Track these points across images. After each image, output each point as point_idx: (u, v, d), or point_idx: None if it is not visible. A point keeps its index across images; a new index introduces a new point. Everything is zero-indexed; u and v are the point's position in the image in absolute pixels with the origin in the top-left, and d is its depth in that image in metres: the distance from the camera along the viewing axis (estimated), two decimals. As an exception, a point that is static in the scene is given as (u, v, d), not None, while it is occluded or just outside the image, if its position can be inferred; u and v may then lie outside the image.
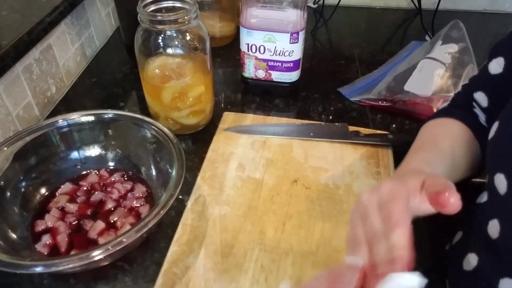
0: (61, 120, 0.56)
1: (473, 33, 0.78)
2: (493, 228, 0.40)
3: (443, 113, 0.54)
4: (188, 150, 0.65)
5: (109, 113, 0.57)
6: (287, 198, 0.56)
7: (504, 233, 0.39)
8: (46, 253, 0.48)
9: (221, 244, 0.50)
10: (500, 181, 0.38)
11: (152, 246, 0.51)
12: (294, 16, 0.66)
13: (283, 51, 0.69)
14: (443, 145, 0.48)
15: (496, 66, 0.47)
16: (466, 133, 0.50)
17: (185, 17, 0.56)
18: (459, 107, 0.53)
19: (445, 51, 0.75)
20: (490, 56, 0.48)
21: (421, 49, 0.82)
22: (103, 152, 0.59)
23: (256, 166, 0.61)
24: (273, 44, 0.68)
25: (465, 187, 0.41)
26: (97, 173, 0.58)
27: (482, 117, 0.51)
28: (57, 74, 0.75)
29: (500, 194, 0.38)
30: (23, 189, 0.53)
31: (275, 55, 0.69)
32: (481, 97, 0.50)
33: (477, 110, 0.51)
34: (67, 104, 0.75)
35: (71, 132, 0.57)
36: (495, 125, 0.41)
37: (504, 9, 1.06)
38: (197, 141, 0.67)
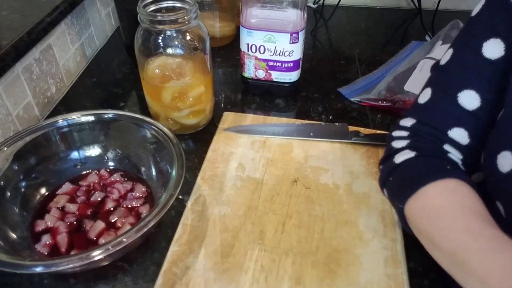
0: (61, 120, 0.56)
1: (473, 33, 0.77)
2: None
3: (432, 174, 0.41)
4: (188, 150, 0.65)
5: (109, 113, 0.57)
6: (287, 198, 0.56)
7: (508, 213, 0.38)
8: (46, 253, 0.48)
9: (221, 244, 0.50)
10: (504, 159, 0.37)
11: (152, 246, 0.51)
12: (294, 16, 0.66)
13: (283, 51, 0.69)
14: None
15: (471, 100, 0.42)
16: (476, 196, 0.40)
17: (185, 17, 0.56)
18: (435, 156, 0.44)
19: (445, 51, 0.74)
20: (461, 86, 0.43)
21: (421, 49, 0.82)
22: (103, 152, 0.59)
23: (256, 166, 0.61)
24: (273, 44, 0.68)
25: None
26: (97, 173, 0.58)
27: (458, 160, 0.44)
28: (57, 74, 0.75)
29: (502, 172, 0.37)
30: (23, 189, 0.53)
31: (275, 55, 0.69)
32: (458, 135, 0.43)
33: (453, 154, 0.44)
34: (67, 104, 0.75)
35: (71, 132, 0.57)
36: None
37: (504, 9, 1.05)
38: (197, 141, 0.67)
